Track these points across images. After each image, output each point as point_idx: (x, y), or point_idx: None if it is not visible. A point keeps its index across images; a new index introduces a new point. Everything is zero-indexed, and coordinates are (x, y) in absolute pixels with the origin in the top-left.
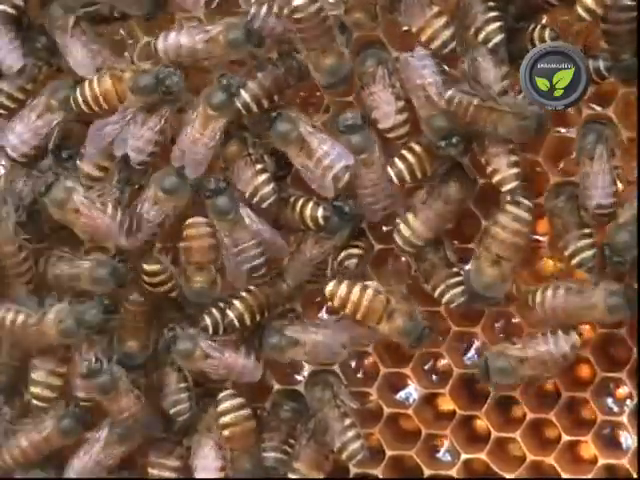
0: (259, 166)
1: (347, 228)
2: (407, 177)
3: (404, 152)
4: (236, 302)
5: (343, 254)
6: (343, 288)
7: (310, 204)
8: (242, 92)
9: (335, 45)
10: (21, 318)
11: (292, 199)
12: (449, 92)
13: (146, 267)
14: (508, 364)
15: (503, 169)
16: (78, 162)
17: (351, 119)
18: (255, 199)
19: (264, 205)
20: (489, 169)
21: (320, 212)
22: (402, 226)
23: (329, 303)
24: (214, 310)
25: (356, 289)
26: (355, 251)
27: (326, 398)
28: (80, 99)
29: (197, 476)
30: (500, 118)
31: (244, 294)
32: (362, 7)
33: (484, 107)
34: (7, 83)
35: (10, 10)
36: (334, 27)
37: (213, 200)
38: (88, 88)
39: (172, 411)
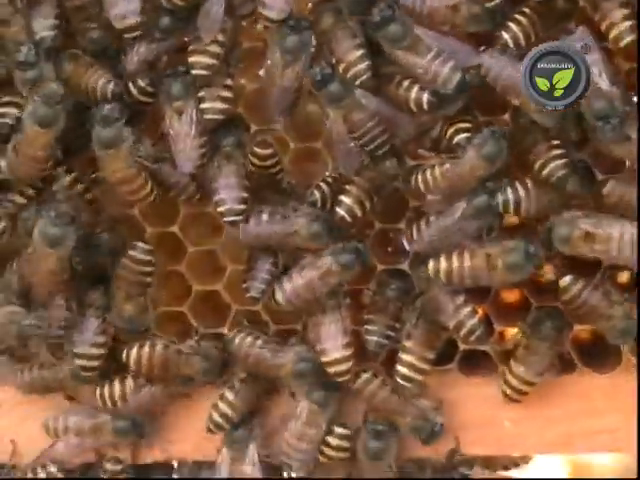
0: (357, 40)
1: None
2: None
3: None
4: (344, 197)
5: (452, 129)
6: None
7: (415, 87)
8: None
9: None
10: None
11: (397, 78)
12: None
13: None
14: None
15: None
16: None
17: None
18: (349, 74)
19: (357, 82)
20: (604, 25)
21: (425, 97)
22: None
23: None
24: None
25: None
26: (464, 125)
27: None
28: None
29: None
30: None
31: (348, 187)
32: None
33: None
34: None
35: None
36: None
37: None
38: None
39: None
